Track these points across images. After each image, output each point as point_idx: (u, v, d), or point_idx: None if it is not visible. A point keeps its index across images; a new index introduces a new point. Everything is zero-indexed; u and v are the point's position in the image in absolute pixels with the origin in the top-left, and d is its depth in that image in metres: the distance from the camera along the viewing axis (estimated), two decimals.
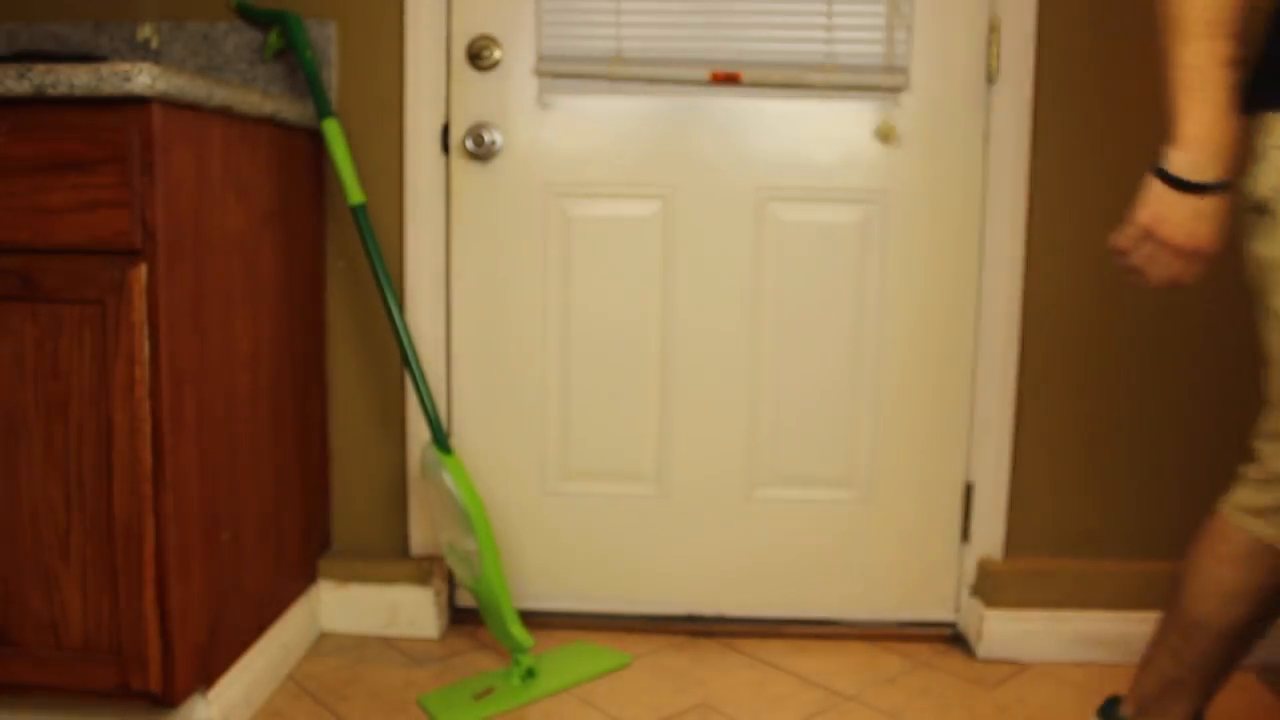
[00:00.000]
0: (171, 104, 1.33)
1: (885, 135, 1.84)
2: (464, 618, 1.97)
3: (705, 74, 1.83)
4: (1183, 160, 1.10)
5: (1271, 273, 1.13)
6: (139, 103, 1.29)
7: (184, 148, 1.37)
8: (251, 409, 1.62)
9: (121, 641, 1.36)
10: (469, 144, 1.85)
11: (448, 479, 1.66)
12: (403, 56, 1.84)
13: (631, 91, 1.85)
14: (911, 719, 1.64)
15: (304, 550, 1.85)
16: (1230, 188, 1.12)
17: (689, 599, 1.96)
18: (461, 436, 1.94)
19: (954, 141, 1.83)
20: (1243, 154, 1.14)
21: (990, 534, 1.89)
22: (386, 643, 1.89)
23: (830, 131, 1.85)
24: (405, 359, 1.69)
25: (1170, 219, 1.11)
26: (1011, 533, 1.89)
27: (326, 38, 1.83)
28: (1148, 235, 1.14)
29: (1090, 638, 1.85)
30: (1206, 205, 1.10)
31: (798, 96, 1.84)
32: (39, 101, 1.29)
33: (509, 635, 1.70)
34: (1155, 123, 1.79)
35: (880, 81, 1.83)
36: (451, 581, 1.98)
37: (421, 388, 1.69)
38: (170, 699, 1.39)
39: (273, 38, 1.80)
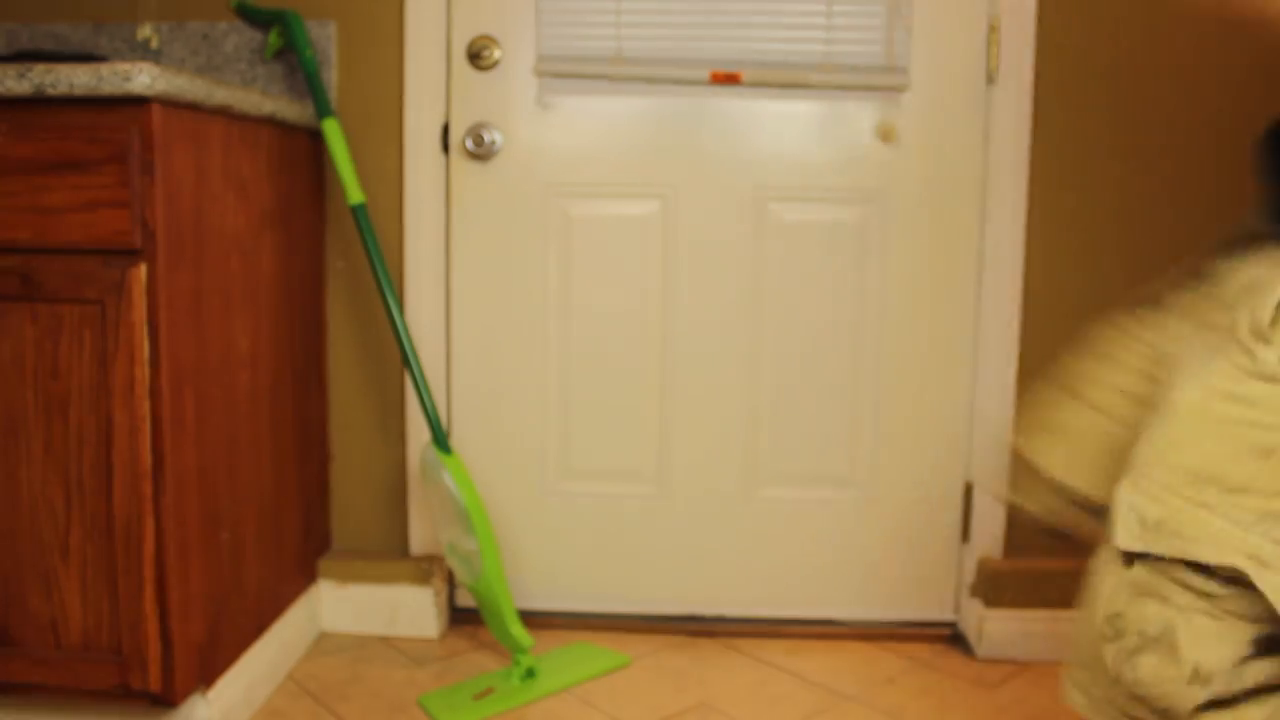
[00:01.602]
0: (171, 104, 1.33)
1: (885, 135, 1.84)
2: (464, 618, 1.97)
3: (705, 74, 1.83)
4: None
5: None
6: (139, 103, 1.29)
7: (184, 148, 1.37)
8: (251, 409, 1.62)
9: (121, 641, 1.36)
10: (469, 144, 1.85)
11: (448, 479, 1.66)
12: (403, 56, 1.84)
13: (632, 91, 1.85)
14: (911, 719, 1.64)
15: (304, 550, 1.85)
16: None
17: (689, 599, 1.96)
18: (461, 436, 1.94)
19: (954, 141, 1.83)
20: None
21: (990, 534, 1.89)
22: (386, 643, 1.89)
23: (830, 131, 1.85)
24: (405, 359, 1.69)
25: None
26: (1011, 533, 1.89)
27: (326, 37, 1.83)
28: None
29: None
30: None
31: (798, 96, 1.84)
32: (39, 101, 1.29)
33: (509, 635, 1.70)
34: (1154, 122, 1.79)
35: (880, 81, 1.82)
36: (451, 581, 1.98)
37: (421, 387, 1.69)
38: (170, 698, 1.39)
39: (273, 38, 1.80)
